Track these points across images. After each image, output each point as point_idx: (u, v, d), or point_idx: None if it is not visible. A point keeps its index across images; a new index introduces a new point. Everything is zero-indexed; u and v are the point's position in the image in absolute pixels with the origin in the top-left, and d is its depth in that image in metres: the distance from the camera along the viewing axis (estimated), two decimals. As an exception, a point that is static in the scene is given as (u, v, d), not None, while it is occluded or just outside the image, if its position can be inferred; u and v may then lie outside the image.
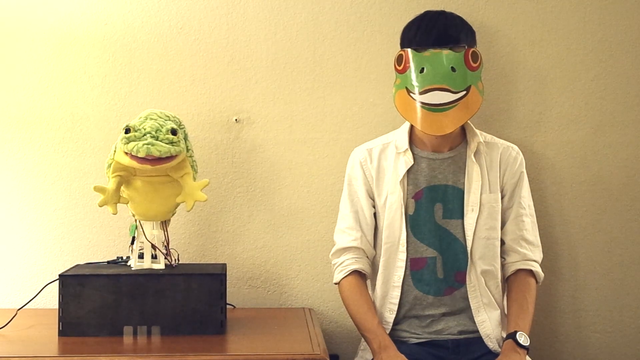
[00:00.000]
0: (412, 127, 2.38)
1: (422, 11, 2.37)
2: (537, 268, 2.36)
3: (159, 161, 2.14)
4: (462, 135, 2.39)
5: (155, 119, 2.20)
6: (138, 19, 2.59)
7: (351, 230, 2.36)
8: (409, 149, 2.35)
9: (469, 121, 2.38)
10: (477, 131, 2.38)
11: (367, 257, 2.37)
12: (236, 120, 2.61)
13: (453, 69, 2.22)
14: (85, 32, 2.58)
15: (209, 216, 2.62)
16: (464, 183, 2.34)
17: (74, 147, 2.59)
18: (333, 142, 2.62)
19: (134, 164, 2.14)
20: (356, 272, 2.34)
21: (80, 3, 2.57)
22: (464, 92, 2.23)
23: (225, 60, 2.61)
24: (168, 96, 2.59)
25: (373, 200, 2.37)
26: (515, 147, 2.42)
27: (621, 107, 2.67)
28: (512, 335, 2.22)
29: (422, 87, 2.22)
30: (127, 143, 2.13)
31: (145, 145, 2.12)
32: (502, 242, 2.38)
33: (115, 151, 2.22)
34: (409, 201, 2.34)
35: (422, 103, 2.22)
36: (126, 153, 2.14)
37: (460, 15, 2.36)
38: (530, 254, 2.37)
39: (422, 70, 2.22)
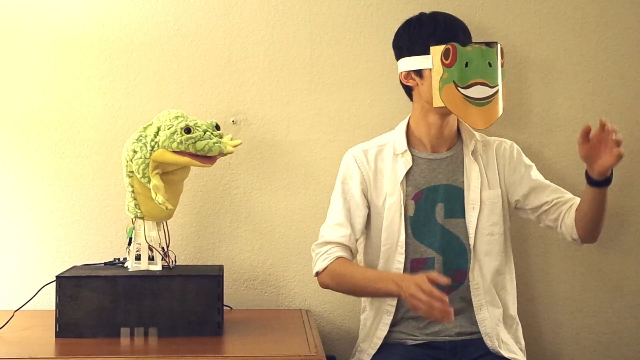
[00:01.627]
0: (409, 129, 2.39)
1: (419, 12, 2.37)
2: None
3: (215, 158, 2.21)
4: (458, 134, 2.40)
5: (194, 119, 2.22)
6: (135, 20, 2.59)
7: (341, 227, 2.33)
8: (407, 150, 2.35)
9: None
10: (472, 129, 2.39)
11: (352, 255, 2.34)
12: (233, 121, 2.61)
13: (490, 64, 2.24)
14: (83, 33, 2.58)
15: (206, 218, 2.62)
16: (463, 182, 2.35)
17: (71, 148, 2.58)
18: (330, 143, 2.63)
19: (195, 163, 2.18)
20: (341, 258, 2.29)
21: (77, 5, 2.57)
22: (497, 88, 2.26)
23: (222, 61, 2.61)
24: (165, 97, 2.59)
25: (367, 201, 2.36)
26: (508, 141, 2.44)
27: (620, 108, 2.67)
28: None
29: (468, 81, 2.23)
30: (195, 142, 2.15)
31: (217, 145, 2.17)
32: (546, 212, 2.37)
33: (152, 150, 2.20)
34: (408, 202, 2.34)
35: (468, 97, 2.23)
36: (181, 152, 2.16)
37: (457, 16, 2.36)
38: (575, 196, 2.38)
39: (466, 65, 2.23)
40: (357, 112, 2.63)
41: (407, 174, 2.34)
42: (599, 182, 2.21)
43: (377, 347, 2.33)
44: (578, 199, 2.34)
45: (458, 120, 2.38)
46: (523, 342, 2.39)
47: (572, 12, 2.65)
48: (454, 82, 2.24)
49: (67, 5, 2.57)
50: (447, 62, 2.25)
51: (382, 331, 2.33)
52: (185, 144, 2.16)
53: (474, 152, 2.37)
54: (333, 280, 2.28)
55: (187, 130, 2.16)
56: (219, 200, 2.62)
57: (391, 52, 2.40)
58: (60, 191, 2.59)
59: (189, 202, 2.59)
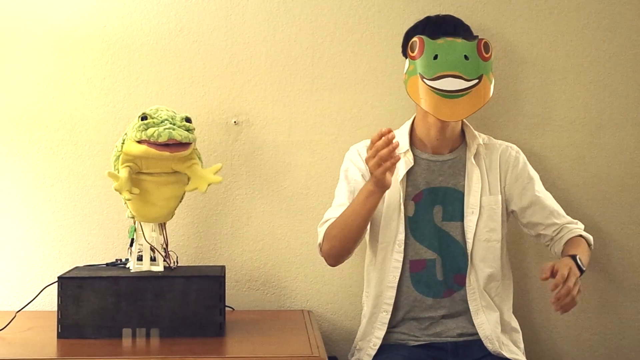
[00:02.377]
0: (412, 129, 2.39)
1: (421, 13, 2.41)
2: (584, 233, 2.38)
3: (178, 147, 2.16)
4: (462, 137, 2.39)
5: (166, 110, 2.21)
6: (137, 21, 2.59)
7: (342, 207, 2.31)
8: (409, 150, 2.35)
9: (468, 123, 2.39)
10: (476, 133, 2.39)
11: None
12: (235, 122, 2.61)
13: (466, 57, 2.23)
14: (84, 34, 2.58)
15: (207, 218, 2.62)
16: (464, 185, 2.35)
17: (72, 149, 2.59)
18: (332, 143, 2.63)
19: (152, 151, 2.14)
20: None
21: (79, 5, 2.57)
22: (476, 81, 2.24)
23: (224, 62, 2.61)
24: (167, 98, 2.59)
25: None
26: (515, 147, 2.43)
27: (620, 110, 2.67)
28: (572, 256, 2.21)
29: (435, 73, 2.22)
30: (146, 129, 2.14)
31: (167, 130, 2.13)
32: (539, 236, 2.41)
33: (123, 143, 2.21)
34: (408, 203, 2.34)
35: (435, 89, 2.22)
36: (140, 141, 2.14)
37: (459, 16, 2.37)
38: (571, 220, 2.40)
39: (435, 57, 2.23)
40: (359, 113, 2.63)
41: (408, 173, 2.34)
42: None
43: (377, 347, 2.33)
44: (569, 233, 2.37)
45: (463, 123, 2.38)
46: (522, 347, 2.39)
47: (572, 13, 2.65)
48: (419, 74, 2.24)
49: (68, 6, 2.57)
50: (412, 54, 2.25)
51: (381, 330, 2.33)
52: (139, 130, 2.14)
53: (476, 156, 2.36)
54: (329, 239, 2.28)
55: (143, 117, 2.16)
56: (221, 201, 2.62)
57: (393, 52, 2.41)
58: (62, 192, 2.59)
59: (191, 203, 2.59)
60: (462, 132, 2.39)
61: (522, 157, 2.42)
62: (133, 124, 2.18)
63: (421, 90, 2.24)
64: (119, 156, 2.22)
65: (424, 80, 2.23)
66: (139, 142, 2.15)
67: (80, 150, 2.59)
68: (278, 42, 2.62)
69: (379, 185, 2.13)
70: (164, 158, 2.17)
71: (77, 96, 2.58)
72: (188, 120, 2.20)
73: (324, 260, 2.53)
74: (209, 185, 2.23)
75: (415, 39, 2.25)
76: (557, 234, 2.38)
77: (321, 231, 2.32)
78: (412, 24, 2.39)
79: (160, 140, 2.12)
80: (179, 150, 2.16)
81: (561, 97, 2.66)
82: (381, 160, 2.06)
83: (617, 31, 2.66)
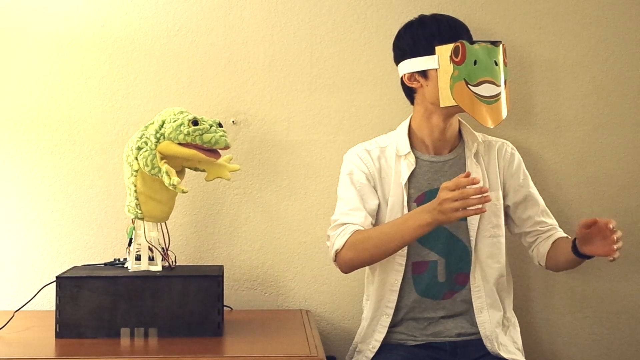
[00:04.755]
0: (410, 130, 2.38)
1: (419, 12, 2.38)
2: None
3: (220, 152, 2.23)
4: (459, 136, 2.39)
5: (195, 115, 2.23)
6: (135, 20, 2.59)
7: (355, 211, 2.28)
8: (411, 152, 2.35)
9: (464, 122, 2.39)
10: (473, 131, 2.39)
11: None
12: (233, 122, 2.61)
13: (496, 62, 2.24)
14: (83, 34, 2.58)
15: (206, 218, 2.62)
16: (466, 184, 2.35)
17: (71, 149, 2.59)
18: (330, 143, 2.63)
19: (200, 156, 2.20)
20: (358, 231, 2.25)
21: (77, 5, 2.57)
22: (504, 86, 2.26)
23: (222, 62, 2.61)
24: (165, 98, 2.59)
25: (376, 191, 2.34)
26: (509, 143, 2.45)
27: (619, 109, 2.67)
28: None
29: (477, 78, 2.23)
30: (202, 134, 2.17)
31: (223, 137, 2.19)
32: (526, 233, 2.42)
33: (155, 142, 2.20)
34: (411, 205, 2.33)
35: (478, 95, 2.23)
36: (187, 144, 2.18)
37: (456, 17, 2.35)
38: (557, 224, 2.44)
39: (475, 63, 2.23)
40: (357, 113, 2.63)
41: (410, 176, 2.34)
42: (583, 256, 2.24)
43: (376, 349, 2.32)
44: (558, 233, 2.39)
45: (460, 122, 2.38)
46: (520, 342, 2.39)
47: (573, 13, 2.65)
48: (464, 79, 2.23)
49: (67, 5, 2.57)
50: (457, 59, 2.23)
51: (381, 333, 2.33)
52: (192, 135, 2.17)
53: (476, 154, 2.37)
54: (356, 250, 2.22)
55: (195, 122, 2.18)
56: (219, 201, 2.62)
57: (391, 52, 2.39)
58: (60, 191, 2.59)
59: (189, 203, 2.59)
60: (459, 131, 2.39)
61: (517, 154, 2.44)
62: (176, 124, 2.18)
63: (467, 96, 2.23)
64: (154, 155, 2.20)
65: (469, 86, 2.23)
66: (185, 145, 2.18)
67: (79, 150, 2.59)
68: (276, 41, 2.62)
69: (443, 222, 2.11)
70: (209, 162, 2.25)
71: (75, 96, 2.58)
72: (220, 125, 2.24)
73: (322, 260, 2.54)
74: (216, 177, 2.29)
75: (457, 44, 2.22)
76: (546, 232, 2.40)
77: (341, 237, 2.25)
78: (411, 24, 2.39)
79: (217, 147, 2.19)
80: (220, 155, 2.24)
81: (560, 96, 2.66)
82: (466, 205, 2.04)
83: (617, 31, 2.66)
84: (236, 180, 2.62)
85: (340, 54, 2.63)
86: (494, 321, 2.32)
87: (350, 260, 2.24)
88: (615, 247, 2.13)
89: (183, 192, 2.18)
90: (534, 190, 2.43)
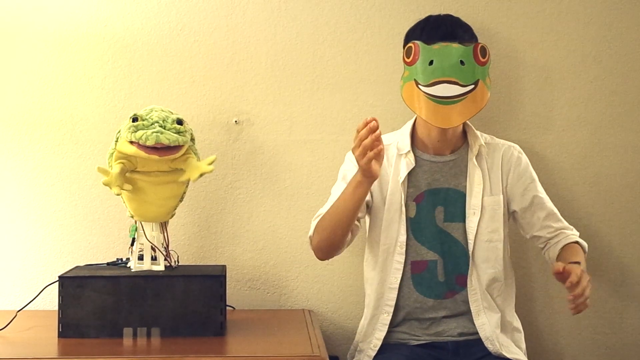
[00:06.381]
0: (414, 129, 2.38)
1: (422, 12, 2.40)
2: (580, 240, 2.39)
3: (167, 151, 2.15)
4: (464, 137, 2.39)
5: (160, 111, 2.20)
6: (138, 20, 2.59)
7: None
8: (411, 151, 2.35)
9: (470, 123, 2.39)
10: (478, 133, 2.38)
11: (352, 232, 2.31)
12: (236, 121, 2.61)
13: (462, 62, 2.22)
14: (85, 33, 2.58)
15: (208, 218, 2.62)
16: (465, 186, 2.34)
17: (73, 148, 2.59)
18: (333, 143, 2.62)
19: (141, 153, 2.14)
20: None
21: (80, 5, 2.57)
22: (472, 86, 2.24)
23: (225, 61, 2.61)
24: (168, 97, 2.59)
25: (370, 192, 2.33)
26: (517, 147, 2.43)
27: (621, 109, 2.67)
28: (577, 263, 2.21)
29: (431, 79, 2.22)
30: (135, 131, 2.13)
31: (155, 134, 2.12)
32: (536, 238, 2.41)
33: (117, 141, 2.21)
34: (410, 204, 2.33)
35: (430, 95, 2.22)
36: (132, 142, 2.14)
37: (460, 16, 2.37)
38: (568, 225, 2.41)
39: (430, 63, 2.22)
40: (360, 112, 2.63)
41: (409, 174, 2.34)
42: None
43: (377, 348, 2.32)
44: (565, 238, 2.38)
45: (464, 123, 2.37)
46: (524, 347, 2.39)
47: (576, 13, 2.65)
48: (414, 80, 2.24)
49: (69, 5, 2.57)
50: (408, 60, 2.26)
51: (381, 332, 2.33)
52: (128, 132, 2.14)
53: (478, 156, 2.36)
54: (318, 232, 2.27)
55: (134, 119, 2.15)
56: (222, 201, 2.62)
57: (394, 52, 2.40)
58: (62, 191, 2.59)
59: (192, 202, 2.59)
60: (464, 132, 2.39)
61: (525, 157, 2.41)
62: (126, 123, 2.17)
63: (416, 96, 2.24)
64: (112, 153, 2.22)
65: (419, 86, 2.23)
66: (131, 142, 2.15)
67: (81, 150, 2.59)
68: (279, 41, 2.61)
69: (366, 175, 2.13)
70: (154, 161, 2.17)
71: (77, 95, 2.58)
72: (179, 122, 2.18)
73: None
74: (201, 174, 2.20)
75: (410, 44, 2.25)
76: (554, 237, 2.39)
77: (312, 226, 2.32)
78: (413, 23, 2.38)
79: (148, 143, 2.12)
80: (168, 154, 2.16)
81: (562, 96, 2.66)
82: (365, 149, 2.07)
83: (617, 31, 2.66)
84: (239, 180, 2.62)
85: (343, 53, 2.62)
86: (493, 323, 2.32)
87: (318, 244, 2.29)
88: (572, 306, 2.13)
89: (115, 193, 2.17)
90: (542, 194, 2.40)
